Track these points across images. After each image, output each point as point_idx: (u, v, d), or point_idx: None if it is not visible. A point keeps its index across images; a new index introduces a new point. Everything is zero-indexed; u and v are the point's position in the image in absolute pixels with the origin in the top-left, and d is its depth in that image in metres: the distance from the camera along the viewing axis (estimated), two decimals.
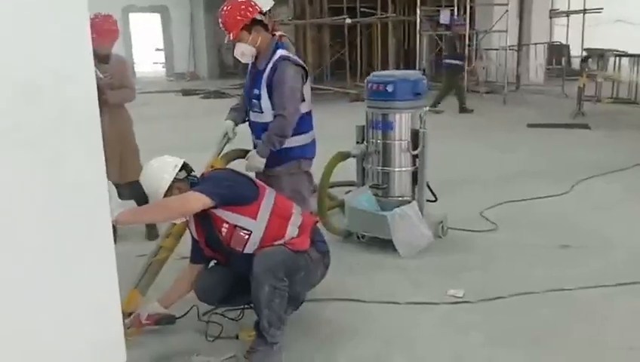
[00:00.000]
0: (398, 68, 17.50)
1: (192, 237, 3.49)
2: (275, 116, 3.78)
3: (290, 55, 3.78)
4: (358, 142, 4.98)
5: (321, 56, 18.39)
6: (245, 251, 3.22)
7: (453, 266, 4.43)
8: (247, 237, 3.20)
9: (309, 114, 3.93)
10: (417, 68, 15.15)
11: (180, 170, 3.32)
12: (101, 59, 4.91)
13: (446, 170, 6.85)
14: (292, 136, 3.82)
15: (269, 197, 3.31)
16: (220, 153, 4.02)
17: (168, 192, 3.26)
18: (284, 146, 3.82)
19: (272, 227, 3.23)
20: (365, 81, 4.99)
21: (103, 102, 4.86)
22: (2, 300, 2.21)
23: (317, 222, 3.56)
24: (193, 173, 3.40)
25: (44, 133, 2.31)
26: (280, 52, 3.78)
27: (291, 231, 3.27)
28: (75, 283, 2.43)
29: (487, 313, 3.73)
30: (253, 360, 3.13)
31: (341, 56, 17.60)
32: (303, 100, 3.83)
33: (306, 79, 3.85)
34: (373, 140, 4.85)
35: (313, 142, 4.00)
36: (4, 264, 2.20)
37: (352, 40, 17.47)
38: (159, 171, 3.31)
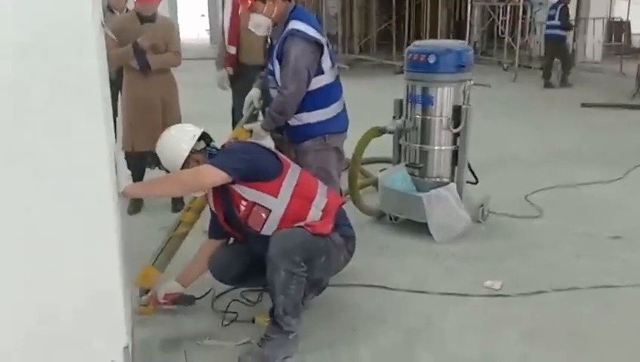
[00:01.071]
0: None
1: (212, 211, 3.26)
2: (278, 92, 3.51)
3: (301, 28, 3.42)
4: (394, 117, 4.66)
5: (368, 26, 17.93)
6: (263, 232, 2.98)
7: (491, 254, 4.12)
8: (265, 216, 2.96)
9: (331, 86, 3.61)
10: (468, 41, 14.59)
11: (198, 140, 3.08)
12: (146, 19, 4.71)
13: (490, 149, 6.55)
14: (311, 110, 3.55)
15: (292, 175, 3.05)
16: (244, 123, 3.78)
17: (185, 164, 3.03)
18: (306, 121, 3.56)
19: (294, 207, 2.97)
20: (406, 50, 4.66)
21: (145, 66, 4.75)
22: None
23: (343, 204, 3.28)
24: (213, 144, 3.17)
25: (37, 96, 2.12)
26: (291, 24, 3.45)
27: (314, 213, 3.01)
28: (74, 256, 2.30)
29: (525, 308, 3.43)
30: (267, 348, 2.91)
31: (388, 26, 17.14)
32: (321, 73, 3.52)
33: (323, 51, 3.52)
34: (412, 115, 4.53)
35: (339, 115, 3.68)
36: None
37: (401, 10, 16.98)
38: (177, 141, 3.07)
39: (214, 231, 3.34)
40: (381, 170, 4.92)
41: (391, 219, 4.65)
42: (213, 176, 2.90)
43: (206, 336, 3.13)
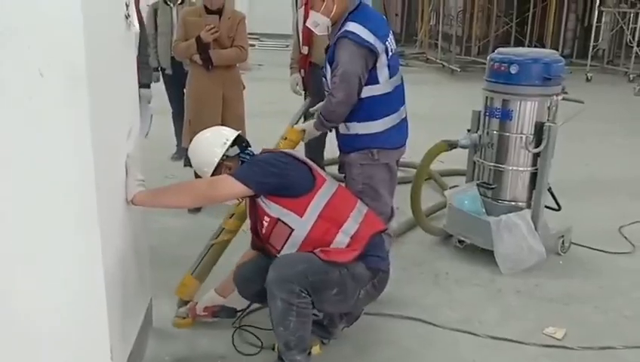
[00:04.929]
0: (573, 46, 15.90)
1: None
2: (327, 97, 3.19)
3: (355, 30, 3.05)
4: (469, 131, 4.22)
5: (489, 27, 17.13)
6: (282, 252, 2.70)
7: (561, 295, 3.60)
8: (287, 235, 2.67)
9: (386, 97, 3.21)
10: (592, 48, 13.56)
11: (231, 145, 2.83)
12: (212, 12, 4.57)
13: (580, 171, 5.93)
14: (360, 121, 3.18)
15: (324, 193, 2.72)
16: (295, 122, 3.53)
17: (217, 170, 2.79)
18: (353, 132, 3.21)
19: (318, 230, 2.65)
20: (488, 58, 4.20)
21: (207, 60, 4.61)
22: None
23: (382, 231, 2.87)
24: (248, 150, 2.91)
25: (21, 85, 1.97)
26: (346, 25, 3.09)
27: (340, 239, 2.66)
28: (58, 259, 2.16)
29: None
30: None
31: (509, 28, 16.29)
32: (375, 83, 3.16)
33: (378, 58, 3.13)
34: (488, 130, 4.07)
35: (394, 130, 3.27)
36: None
37: (524, 12, 16.07)
38: (209, 146, 2.84)
39: (254, 241, 3.10)
40: (451, 187, 4.48)
41: (459, 241, 4.21)
42: (229, 188, 2.64)
43: (217, 359, 2.89)
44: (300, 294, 2.49)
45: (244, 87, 4.88)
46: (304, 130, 3.34)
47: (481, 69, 14.24)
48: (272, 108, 7.75)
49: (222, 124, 4.34)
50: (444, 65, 13.94)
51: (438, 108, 8.99)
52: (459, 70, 13.14)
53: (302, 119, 3.70)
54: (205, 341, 3.07)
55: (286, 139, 3.30)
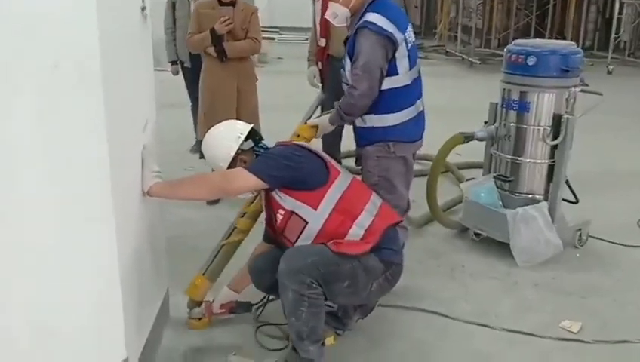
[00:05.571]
0: (594, 38, 15.70)
1: None
2: (347, 90, 3.18)
3: (375, 20, 3.04)
4: (486, 123, 4.20)
5: (509, 19, 16.97)
6: (297, 244, 2.70)
7: (579, 288, 3.58)
8: (301, 228, 2.67)
9: (405, 89, 3.19)
10: (613, 40, 13.36)
11: (246, 139, 2.84)
12: (225, 3, 4.59)
13: (597, 163, 5.86)
14: (377, 113, 3.18)
15: (339, 186, 2.72)
16: (308, 118, 3.51)
17: (232, 164, 2.80)
18: (370, 125, 3.20)
19: (333, 223, 2.65)
20: (505, 50, 4.17)
21: (221, 52, 4.63)
22: None
23: (397, 223, 2.85)
24: (262, 143, 2.92)
25: (34, 77, 1.98)
26: (366, 16, 3.07)
27: (355, 231, 2.65)
28: (70, 257, 2.18)
29: (601, 358, 2.92)
30: None
31: (530, 21, 16.11)
32: (395, 74, 3.14)
33: (398, 48, 3.11)
34: (505, 122, 4.05)
35: (411, 122, 3.25)
36: None
37: (544, 4, 15.88)
38: (223, 140, 2.84)
39: (267, 234, 3.11)
40: (467, 180, 4.46)
41: (476, 234, 4.19)
42: (244, 181, 2.65)
43: (232, 351, 2.91)
44: (310, 285, 2.50)
45: (256, 79, 4.91)
46: (317, 126, 3.33)
47: (501, 62, 14.13)
48: (288, 102, 7.76)
49: (236, 117, 4.39)
50: (463, 58, 13.85)
51: (456, 101, 8.94)
52: (478, 62, 13.03)
53: (315, 113, 3.67)
54: (221, 332, 3.09)
55: (298, 136, 3.28)
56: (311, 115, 3.60)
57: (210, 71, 4.68)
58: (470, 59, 13.35)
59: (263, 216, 3.04)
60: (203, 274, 3.14)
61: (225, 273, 3.16)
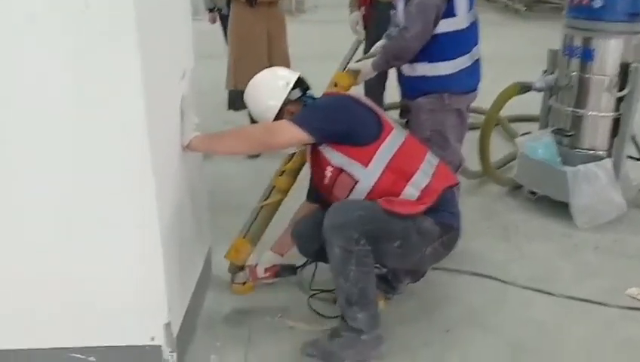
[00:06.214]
0: None
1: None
2: (399, 31, 2.92)
3: None
4: (545, 72, 3.90)
5: None
6: None
7: None
8: (351, 186, 2.47)
9: (462, 34, 2.93)
10: None
11: (293, 88, 2.63)
12: None
13: None
14: (430, 61, 2.93)
15: (392, 142, 2.50)
16: (344, 68, 3.21)
17: (279, 115, 2.60)
18: (421, 74, 2.96)
19: (385, 182, 2.44)
20: None
21: None
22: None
23: (454, 185, 2.64)
24: (309, 93, 2.70)
25: (63, 17, 1.83)
26: None
27: (409, 192, 2.44)
28: (108, 223, 2.07)
29: None
30: (333, 345, 2.46)
31: None
32: (452, 16, 2.87)
33: None
34: (567, 71, 3.75)
35: (467, 72, 3.00)
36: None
37: None
38: (269, 90, 2.64)
39: (311, 193, 2.93)
40: (522, 134, 4.20)
41: (531, 193, 3.95)
42: (288, 135, 2.45)
43: (277, 313, 2.77)
44: (358, 241, 2.29)
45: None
46: (358, 72, 3.07)
47: (549, 9, 13.58)
48: (324, 51, 7.49)
49: (268, 64, 4.19)
50: (507, 5, 13.29)
51: (501, 51, 8.50)
52: (524, 9, 12.50)
53: (351, 61, 3.39)
54: (265, 294, 2.94)
55: (336, 85, 3.03)
56: (348, 62, 3.30)
57: (240, 16, 4.52)
58: (515, 6, 12.80)
59: (303, 173, 2.86)
60: (244, 238, 2.96)
61: (267, 234, 2.99)
